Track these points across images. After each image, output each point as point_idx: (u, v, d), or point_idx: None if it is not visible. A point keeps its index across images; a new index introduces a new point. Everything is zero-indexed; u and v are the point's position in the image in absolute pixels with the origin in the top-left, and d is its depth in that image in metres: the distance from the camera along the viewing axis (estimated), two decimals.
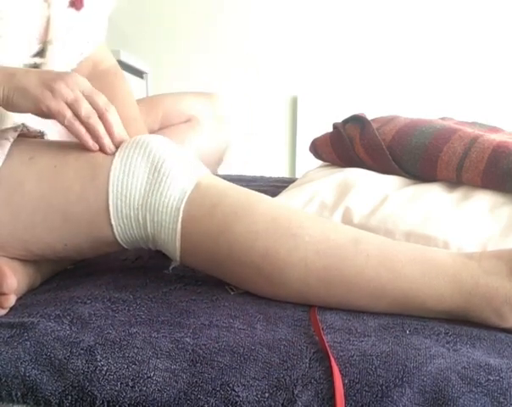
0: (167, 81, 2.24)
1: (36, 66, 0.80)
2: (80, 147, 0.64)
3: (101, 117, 0.64)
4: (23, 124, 0.68)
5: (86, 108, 0.63)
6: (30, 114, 0.65)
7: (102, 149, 0.64)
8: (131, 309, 0.60)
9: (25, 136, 0.69)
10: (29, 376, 0.50)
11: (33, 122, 0.71)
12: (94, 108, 0.64)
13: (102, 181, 0.62)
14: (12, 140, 0.64)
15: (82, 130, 0.63)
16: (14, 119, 0.74)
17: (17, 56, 0.75)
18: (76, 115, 0.63)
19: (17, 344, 0.53)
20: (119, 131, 0.65)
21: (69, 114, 0.62)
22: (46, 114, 0.63)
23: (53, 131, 0.81)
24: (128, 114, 0.87)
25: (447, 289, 0.57)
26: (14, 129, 0.66)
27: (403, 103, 2.06)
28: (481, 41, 2.06)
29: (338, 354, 0.51)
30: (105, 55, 0.96)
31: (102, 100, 0.65)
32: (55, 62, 0.79)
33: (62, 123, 0.63)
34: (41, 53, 0.79)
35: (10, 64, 0.74)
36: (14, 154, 0.64)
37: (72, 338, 0.53)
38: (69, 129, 0.63)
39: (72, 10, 0.79)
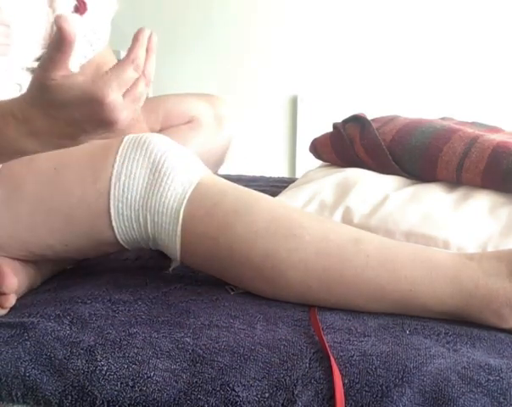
0: (167, 82, 2.24)
1: None
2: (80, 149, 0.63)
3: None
4: None
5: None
6: None
7: None
8: (131, 309, 0.60)
9: None
10: (29, 376, 0.50)
11: None
12: None
13: (104, 185, 0.62)
14: None
15: None
16: None
17: (21, 61, 0.75)
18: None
19: (17, 344, 0.53)
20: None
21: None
22: None
23: None
24: None
25: (447, 290, 0.57)
26: None
27: (403, 103, 2.05)
28: (481, 42, 2.05)
29: (338, 354, 0.51)
30: (109, 58, 0.96)
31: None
32: None
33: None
34: None
35: (14, 68, 0.73)
36: None
37: (72, 338, 0.53)
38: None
39: (76, 15, 0.79)
